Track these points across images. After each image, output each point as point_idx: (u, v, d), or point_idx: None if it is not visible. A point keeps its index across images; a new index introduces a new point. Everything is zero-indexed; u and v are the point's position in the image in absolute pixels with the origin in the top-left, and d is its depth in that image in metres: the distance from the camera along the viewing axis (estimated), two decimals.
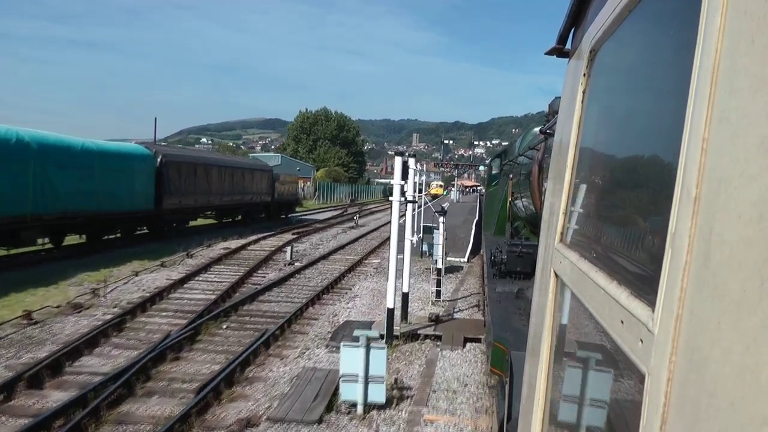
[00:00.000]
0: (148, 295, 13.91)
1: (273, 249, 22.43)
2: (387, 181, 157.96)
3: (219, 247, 22.86)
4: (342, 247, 24.81)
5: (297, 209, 47.30)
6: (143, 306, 12.92)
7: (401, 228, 11.42)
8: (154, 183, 23.92)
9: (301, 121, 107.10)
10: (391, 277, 10.37)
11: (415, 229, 12.48)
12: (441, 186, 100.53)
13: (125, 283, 15.76)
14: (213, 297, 13.98)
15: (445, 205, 17.22)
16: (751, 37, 0.62)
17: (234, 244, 23.77)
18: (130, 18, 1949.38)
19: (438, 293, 14.31)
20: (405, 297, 11.92)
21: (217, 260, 19.55)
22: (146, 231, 25.24)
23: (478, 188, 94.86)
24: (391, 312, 10.35)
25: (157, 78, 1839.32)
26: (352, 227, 34.16)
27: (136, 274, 16.84)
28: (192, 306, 13.25)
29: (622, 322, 0.91)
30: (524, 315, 6.61)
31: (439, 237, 15.25)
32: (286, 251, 21.31)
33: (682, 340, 0.69)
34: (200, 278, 16.74)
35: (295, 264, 19.73)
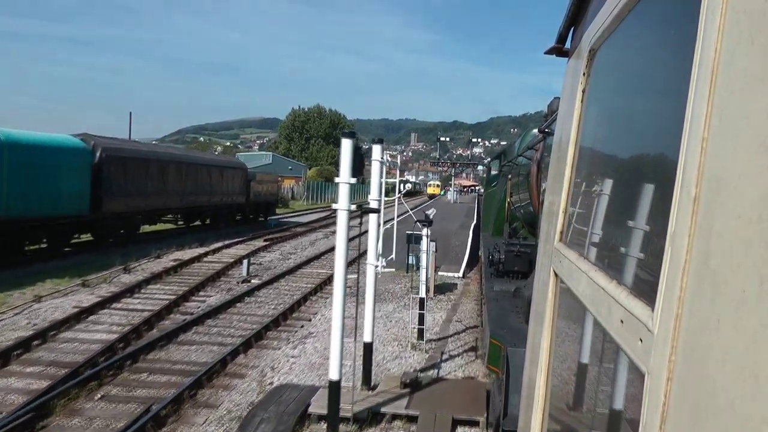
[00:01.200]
0: (29, 334, 10.21)
1: (233, 260, 18.90)
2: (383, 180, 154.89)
3: (169, 259, 19.18)
4: (317, 257, 21.19)
5: (281, 211, 43.74)
6: (7, 355, 9.20)
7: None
8: (90, 182, 19.63)
9: (293, 118, 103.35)
10: (335, 333, 6.52)
11: (379, 251, 8.02)
12: (438, 186, 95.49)
13: (16, 314, 12.01)
14: (114, 337, 10.24)
15: (431, 212, 13.02)
16: (750, 37, 0.62)
17: (190, 253, 20.11)
18: (128, 17, 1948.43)
19: (420, 333, 10.57)
20: (367, 350, 8.04)
21: (156, 277, 15.95)
22: (88, 239, 21.24)
23: (477, 188, 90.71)
24: (335, 387, 6.50)
25: (156, 77, 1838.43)
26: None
27: (39, 300, 13.18)
28: (78, 353, 9.59)
29: (621, 321, 0.91)
30: (521, 313, 6.45)
31: (423, 256, 11.32)
32: (243, 265, 17.68)
33: (682, 339, 0.69)
34: (118, 305, 13.07)
35: (252, 281, 16.14)
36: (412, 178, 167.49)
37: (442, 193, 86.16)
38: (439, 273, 17.08)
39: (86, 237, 21.32)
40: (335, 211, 6.80)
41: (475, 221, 25.36)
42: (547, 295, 1.67)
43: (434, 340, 10.89)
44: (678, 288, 0.71)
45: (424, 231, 11.41)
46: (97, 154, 20.29)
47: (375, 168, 7.89)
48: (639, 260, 1.02)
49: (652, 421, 0.73)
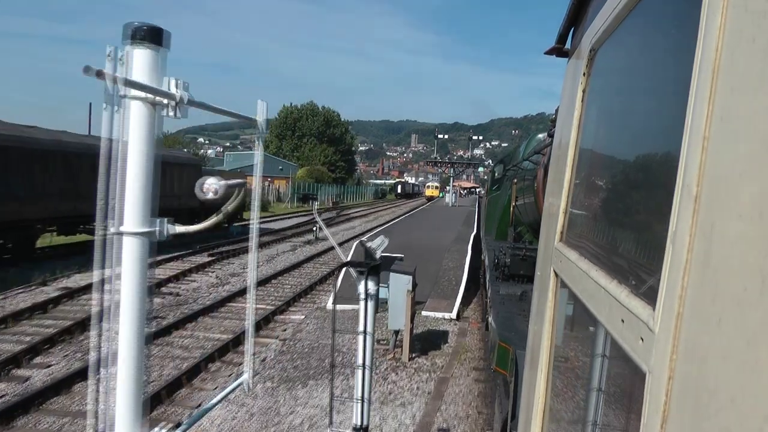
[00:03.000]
0: None
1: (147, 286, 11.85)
2: (381, 181, 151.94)
3: (57, 286, 14.03)
4: (267, 280, 16.06)
5: (260, 214, 41.60)
6: None
7: None
8: None
9: (285, 116, 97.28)
10: None
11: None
12: (437, 187, 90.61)
13: None
14: None
15: (378, 242, 4.02)
16: (751, 35, 0.62)
17: (96, 276, 13.49)
18: (128, 16, 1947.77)
19: None
20: None
21: (1, 322, 10.80)
22: None
23: (477, 190, 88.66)
24: None
25: None
26: (309, 242, 25.55)
27: None
28: None
29: (622, 320, 0.91)
30: (528, 316, 5.91)
31: (359, 341, 3.88)
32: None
33: (683, 338, 0.69)
34: None
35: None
36: (412, 180, 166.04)
37: (441, 194, 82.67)
38: (423, 313, 12.11)
39: None
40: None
41: (475, 230, 20.76)
42: (548, 294, 1.67)
43: None
44: (679, 287, 0.71)
45: (362, 285, 4.46)
46: None
47: (134, 114, 1.58)
48: (640, 259, 1.02)
49: (653, 420, 0.73)
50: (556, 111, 7.67)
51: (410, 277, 9.34)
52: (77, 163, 18.38)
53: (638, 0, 1.14)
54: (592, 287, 1.13)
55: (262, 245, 23.43)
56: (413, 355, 9.67)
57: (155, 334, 10.45)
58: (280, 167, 76.32)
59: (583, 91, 1.64)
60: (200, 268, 17.78)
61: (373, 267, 4.04)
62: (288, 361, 9.35)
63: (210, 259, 19.32)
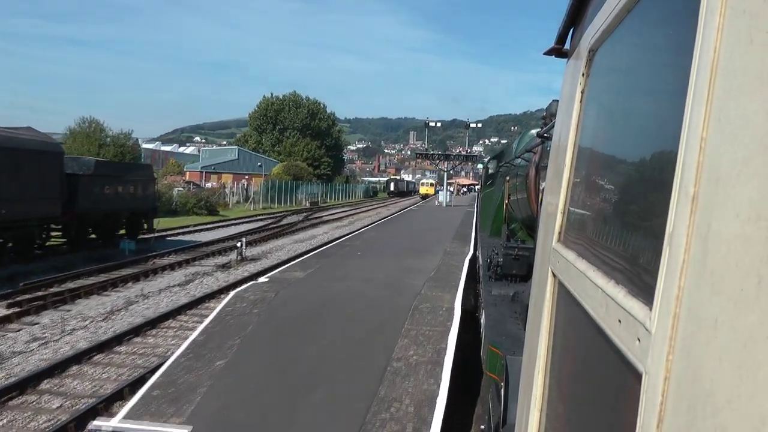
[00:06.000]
0: None
1: None
2: (376, 179, 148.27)
3: None
4: (43, 376, 8.41)
5: (200, 220, 32.15)
6: None
7: None
8: None
9: (265, 107, 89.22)
10: None
11: None
12: (432, 185, 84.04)
13: None
14: None
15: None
16: (749, 36, 0.63)
17: None
18: (125, 15, 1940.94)
19: None
20: None
21: None
22: None
23: (476, 187, 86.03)
24: None
25: (153, 76, 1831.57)
26: (225, 266, 18.42)
27: None
28: None
29: (619, 321, 0.92)
30: (519, 319, 6.49)
31: None
32: None
33: (680, 338, 0.69)
34: None
35: None
36: (408, 177, 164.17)
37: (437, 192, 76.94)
38: None
39: None
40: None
41: (472, 250, 13.30)
42: (545, 295, 1.67)
43: None
44: (676, 287, 0.72)
45: None
46: None
47: None
48: (637, 260, 1.03)
49: (650, 420, 0.73)
50: (547, 109, 7.56)
51: None
52: None
53: (637, 1, 1.15)
54: (590, 288, 1.13)
55: (144, 273, 16.10)
56: None
57: None
58: (259, 163, 69.29)
59: (582, 92, 1.64)
60: None
61: None
62: None
63: (9, 312, 11.04)
